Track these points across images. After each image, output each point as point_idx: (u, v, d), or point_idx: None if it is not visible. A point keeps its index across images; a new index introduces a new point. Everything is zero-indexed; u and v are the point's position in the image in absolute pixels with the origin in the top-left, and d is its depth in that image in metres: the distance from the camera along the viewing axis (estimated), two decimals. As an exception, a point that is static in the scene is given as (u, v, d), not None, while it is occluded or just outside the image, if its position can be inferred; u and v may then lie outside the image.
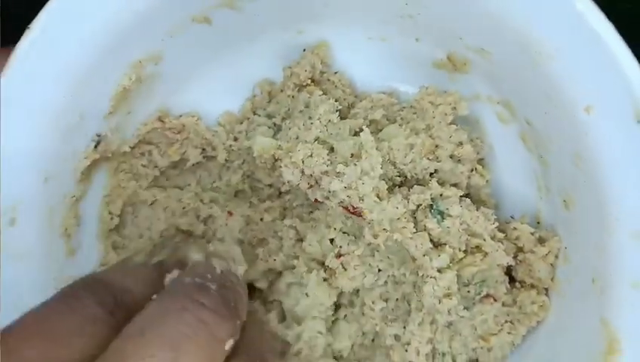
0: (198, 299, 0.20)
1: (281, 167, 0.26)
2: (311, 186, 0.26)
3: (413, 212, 0.26)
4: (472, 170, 0.27)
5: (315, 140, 0.26)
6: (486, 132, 0.28)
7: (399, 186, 0.27)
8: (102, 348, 0.19)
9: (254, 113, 0.30)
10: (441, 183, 0.26)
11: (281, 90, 0.29)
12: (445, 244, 0.25)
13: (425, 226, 0.25)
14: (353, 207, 0.25)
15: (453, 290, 0.25)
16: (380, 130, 0.27)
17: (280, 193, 0.30)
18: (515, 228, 0.26)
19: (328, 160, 0.26)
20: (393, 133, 0.27)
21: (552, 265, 0.26)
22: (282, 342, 0.26)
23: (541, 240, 0.26)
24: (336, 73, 0.29)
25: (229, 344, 0.19)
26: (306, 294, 0.26)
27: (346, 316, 0.28)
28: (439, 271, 0.25)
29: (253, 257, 0.28)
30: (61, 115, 0.24)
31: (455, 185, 0.27)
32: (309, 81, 0.29)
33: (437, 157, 0.27)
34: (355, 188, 0.25)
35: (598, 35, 0.18)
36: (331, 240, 0.27)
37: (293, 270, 0.27)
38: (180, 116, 0.29)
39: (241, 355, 0.20)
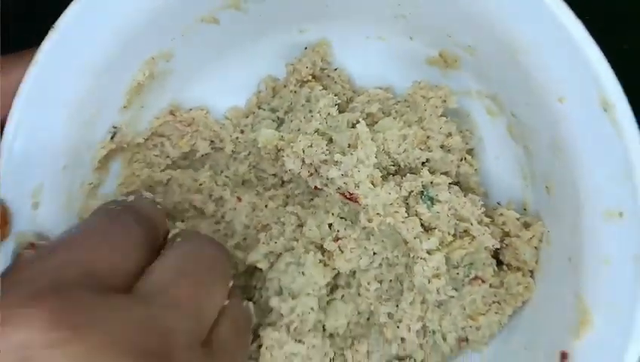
0: None
1: (283, 156, 0.28)
2: (311, 174, 0.28)
3: (406, 198, 0.27)
4: (461, 160, 0.29)
5: (315, 132, 0.28)
6: (476, 125, 0.30)
7: (393, 175, 0.28)
8: (144, 267, 0.22)
9: (259, 107, 0.32)
10: (432, 172, 0.28)
11: (284, 86, 0.31)
12: (435, 228, 0.27)
13: (416, 211, 0.27)
14: (349, 193, 0.27)
15: (441, 271, 0.27)
16: (376, 123, 0.29)
17: (283, 182, 0.31)
18: (501, 214, 0.28)
19: (327, 150, 0.27)
20: (388, 125, 0.28)
21: (536, 248, 0.27)
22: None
23: (526, 225, 0.28)
24: (335, 70, 0.31)
25: None
26: (302, 273, 0.28)
27: (343, 296, 0.29)
28: (429, 252, 0.27)
29: (256, 241, 0.30)
30: (81, 107, 0.26)
31: (445, 173, 0.28)
32: (310, 77, 0.30)
33: (428, 148, 0.28)
34: (352, 176, 0.27)
35: (568, 32, 0.20)
36: (330, 225, 0.29)
37: (292, 251, 0.29)
38: (190, 110, 0.31)
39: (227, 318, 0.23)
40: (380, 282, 0.29)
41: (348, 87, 0.31)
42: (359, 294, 0.29)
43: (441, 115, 0.29)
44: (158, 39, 0.26)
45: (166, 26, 0.26)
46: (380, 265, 0.29)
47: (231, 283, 0.24)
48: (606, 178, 0.21)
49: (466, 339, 0.29)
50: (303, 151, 0.27)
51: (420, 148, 0.28)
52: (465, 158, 0.29)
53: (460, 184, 0.29)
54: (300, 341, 0.27)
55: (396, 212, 0.27)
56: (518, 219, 0.28)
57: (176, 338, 0.20)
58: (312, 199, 0.30)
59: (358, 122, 0.27)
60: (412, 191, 0.27)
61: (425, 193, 0.27)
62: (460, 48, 0.27)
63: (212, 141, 0.32)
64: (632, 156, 0.20)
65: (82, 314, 0.19)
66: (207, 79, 0.31)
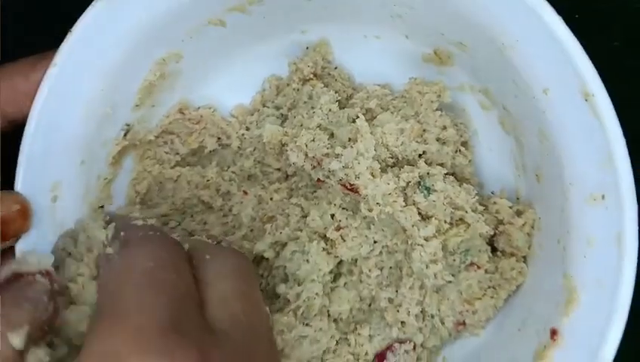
0: None
1: (287, 151, 0.30)
2: (314, 167, 0.29)
3: (404, 188, 0.29)
4: (456, 151, 0.30)
5: (317, 127, 0.30)
6: (471, 118, 0.31)
7: (392, 166, 0.30)
8: None
9: (264, 105, 0.33)
10: (429, 163, 0.29)
11: (288, 84, 0.33)
12: (432, 217, 0.28)
13: (413, 201, 0.28)
14: (350, 184, 0.29)
15: (438, 257, 0.28)
16: (375, 117, 0.30)
17: (287, 176, 0.33)
18: (495, 203, 0.29)
19: (329, 144, 0.29)
20: (386, 119, 0.30)
21: (528, 234, 0.29)
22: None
23: (518, 213, 0.29)
24: (336, 68, 0.32)
25: None
26: (307, 260, 0.29)
27: (345, 284, 0.31)
28: (426, 239, 0.28)
29: (262, 232, 0.31)
30: (96, 106, 0.27)
31: (441, 164, 0.30)
32: (312, 76, 0.32)
33: (424, 140, 0.30)
34: (352, 168, 0.28)
35: (549, 28, 0.22)
36: (332, 215, 0.30)
37: (297, 240, 0.30)
38: (198, 108, 0.32)
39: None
40: (381, 269, 0.30)
41: (348, 85, 0.32)
42: (361, 281, 0.31)
43: (436, 109, 0.30)
44: (169, 42, 0.28)
45: (176, 29, 0.27)
46: (380, 252, 0.30)
47: None
48: (589, 163, 0.22)
49: (464, 323, 0.30)
50: (306, 146, 0.29)
51: (417, 141, 0.29)
52: (459, 150, 0.30)
53: (455, 174, 0.30)
54: (307, 324, 0.29)
55: (395, 201, 0.28)
56: (510, 207, 0.29)
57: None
58: (314, 191, 0.32)
59: (357, 117, 0.29)
60: (410, 182, 0.29)
61: (422, 183, 0.29)
62: (452, 46, 0.28)
63: (219, 138, 0.33)
64: (611, 142, 0.21)
65: (210, 354, 0.20)
66: (214, 79, 0.32)
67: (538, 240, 0.28)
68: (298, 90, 0.32)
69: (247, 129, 0.33)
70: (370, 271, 0.30)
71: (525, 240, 0.29)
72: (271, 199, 0.32)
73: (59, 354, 0.22)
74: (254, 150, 0.33)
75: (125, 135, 0.30)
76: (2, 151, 0.27)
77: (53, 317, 0.22)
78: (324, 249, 0.30)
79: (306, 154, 0.29)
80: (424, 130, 0.30)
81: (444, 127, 0.30)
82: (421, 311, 0.30)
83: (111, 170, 0.30)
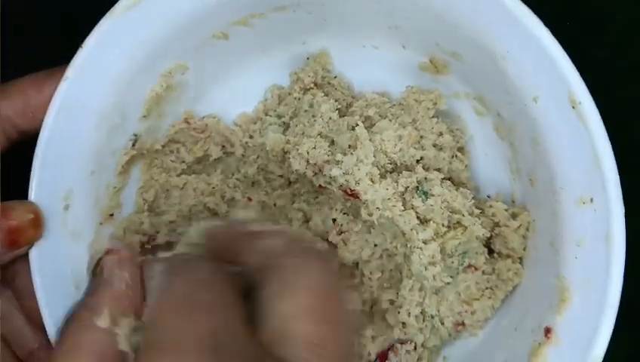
0: None
1: (289, 158, 0.31)
2: (315, 174, 0.30)
3: (402, 193, 0.29)
4: (452, 157, 0.31)
5: (318, 135, 0.30)
6: (466, 124, 0.32)
7: (390, 172, 0.31)
8: None
9: (266, 114, 0.34)
10: (426, 168, 0.30)
11: (289, 94, 0.33)
12: (430, 220, 0.29)
13: (412, 205, 0.29)
14: (351, 189, 0.29)
15: (436, 259, 0.29)
16: (374, 125, 0.31)
17: (290, 182, 0.34)
18: (491, 206, 0.30)
19: (329, 151, 0.30)
20: (384, 127, 0.30)
21: (523, 236, 0.30)
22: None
23: (514, 216, 0.30)
24: (335, 77, 0.33)
25: None
26: (311, 264, 0.30)
27: (348, 286, 0.32)
28: (424, 242, 0.29)
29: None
30: (106, 117, 0.28)
31: (438, 169, 0.30)
32: (312, 85, 0.33)
33: (422, 146, 0.30)
34: (352, 174, 0.29)
35: (537, 40, 0.23)
36: (334, 220, 0.31)
37: (300, 244, 0.31)
38: (203, 118, 0.33)
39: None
40: (381, 271, 0.31)
41: (347, 93, 0.33)
42: (362, 283, 0.32)
43: (432, 116, 0.31)
44: (175, 55, 0.29)
45: (183, 43, 0.28)
46: (381, 255, 0.31)
47: None
48: (578, 168, 0.23)
49: (462, 323, 0.31)
50: (308, 153, 0.30)
51: (414, 147, 0.30)
52: (456, 155, 0.31)
53: (451, 179, 0.31)
54: None
55: (394, 206, 0.29)
56: (506, 210, 0.30)
57: None
58: (316, 196, 0.33)
59: (357, 125, 0.29)
60: (408, 187, 0.29)
61: (420, 188, 0.29)
62: (447, 55, 0.29)
63: (223, 146, 0.34)
64: (598, 147, 0.22)
65: None
66: (218, 89, 0.33)
67: (533, 242, 0.29)
68: (299, 99, 0.33)
69: (251, 137, 0.34)
70: (371, 273, 0.31)
71: (521, 242, 0.30)
72: (274, 205, 0.33)
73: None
74: (258, 157, 0.34)
75: (133, 145, 0.31)
76: (14, 160, 0.28)
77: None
78: (326, 252, 0.30)
79: (308, 162, 0.30)
80: (421, 137, 0.31)
81: (441, 134, 0.31)
82: (421, 312, 0.31)
83: (120, 178, 0.31)
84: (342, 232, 0.31)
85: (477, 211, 0.30)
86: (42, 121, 0.27)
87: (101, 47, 0.26)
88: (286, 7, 0.29)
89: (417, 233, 0.29)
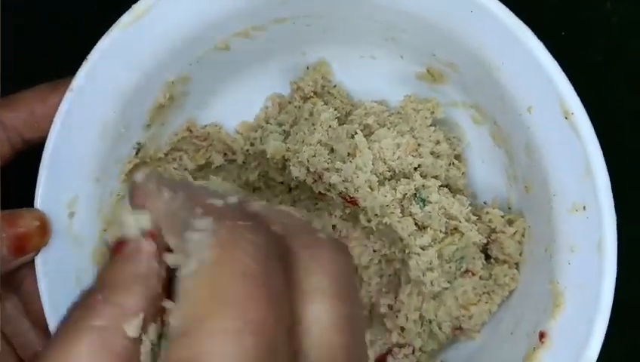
0: None
1: (290, 165, 0.31)
2: (315, 181, 0.31)
3: (400, 200, 0.30)
4: (449, 164, 0.31)
5: (318, 143, 0.31)
6: (463, 132, 0.33)
7: (389, 179, 0.31)
8: None
9: (267, 122, 0.34)
10: (424, 176, 0.31)
11: (289, 102, 0.34)
12: (428, 226, 0.30)
13: (410, 212, 0.30)
14: (350, 196, 0.30)
15: (434, 265, 0.29)
16: (372, 133, 0.32)
17: (290, 189, 0.34)
18: (487, 213, 0.31)
19: (329, 158, 0.30)
20: (383, 135, 0.31)
21: (519, 242, 0.30)
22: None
23: (510, 222, 0.31)
24: (335, 86, 0.34)
25: None
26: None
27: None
28: (422, 248, 0.29)
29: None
30: (110, 126, 0.29)
31: (435, 177, 0.31)
32: (312, 94, 0.33)
33: (419, 154, 0.31)
34: (352, 181, 0.29)
35: (531, 52, 0.23)
36: (333, 226, 0.32)
37: (301, 250, 0.32)
38: (205, 126, 0.34)
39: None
40: (380, 276, 0.32)
41: (346, 102, 0.34)
42: (362, 288, 0.32)
43: (430, 125, 0.31)
44: (178, 66, 0.29)
45: (186, 54, 0.29)
46: (380, 261, 0.32)
47: None
48: (571, 176, 0.24)
49: (460, 327, 0.31)
50: (308, 161, 0.30)
51: (412, 155, 0.31)
52: (453, 163, 0.32)
53: (449, 186, 0.32)
54: None
55: (392, 212, 0.29)
56: (502, 217, 0.30)
57: None
58: (316, 203, 0.33)
59: (356, 133, 0.30)
60: (406, 194, 0.30)
61: (417, 195, 0.30)
62: (444, 65, 0.30)
63: (225, 153, 0.34)
64: (590, 156, 0.23)
65: None
66: (219, 98, 0.34)
67: (528, 248, 0.29)
68: (299, 107, 0.34)
69: (252, 145, 0.34)
70: (370, 279, 0.32)
71: (517, 248, 0.30)
72: (275, 211, 0.34)
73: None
74: (258, 165, 0.34)
75: (137, 153, 0.32)
76: (19, 168, 0.29)
77: (165, 287, 0.18)
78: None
79: (308, 169, 0.31)
80: (419, 145, 0.31)
81: (438, 142, 0.31)
82: (419, 317, 0.31)
83: (124, 186, 0.31)
84: (341, 238, 0.31)
85: (474, 218, 0.30)
86: (47, 130, 0.28)
87: (105, 60, 0.27)
88: (286, 19, 0.29)
89: (415, 239, 0.29)
